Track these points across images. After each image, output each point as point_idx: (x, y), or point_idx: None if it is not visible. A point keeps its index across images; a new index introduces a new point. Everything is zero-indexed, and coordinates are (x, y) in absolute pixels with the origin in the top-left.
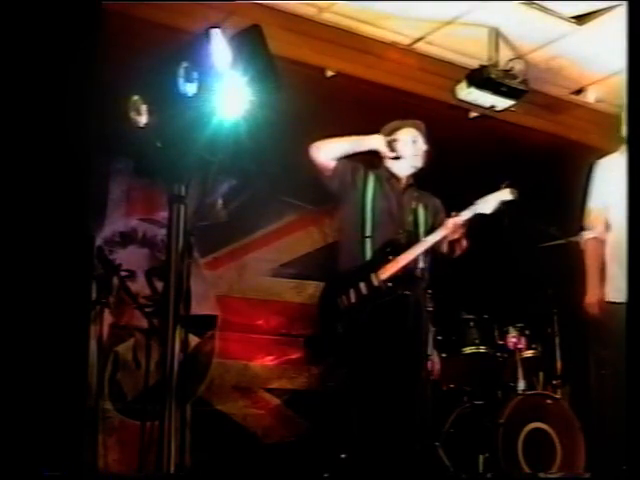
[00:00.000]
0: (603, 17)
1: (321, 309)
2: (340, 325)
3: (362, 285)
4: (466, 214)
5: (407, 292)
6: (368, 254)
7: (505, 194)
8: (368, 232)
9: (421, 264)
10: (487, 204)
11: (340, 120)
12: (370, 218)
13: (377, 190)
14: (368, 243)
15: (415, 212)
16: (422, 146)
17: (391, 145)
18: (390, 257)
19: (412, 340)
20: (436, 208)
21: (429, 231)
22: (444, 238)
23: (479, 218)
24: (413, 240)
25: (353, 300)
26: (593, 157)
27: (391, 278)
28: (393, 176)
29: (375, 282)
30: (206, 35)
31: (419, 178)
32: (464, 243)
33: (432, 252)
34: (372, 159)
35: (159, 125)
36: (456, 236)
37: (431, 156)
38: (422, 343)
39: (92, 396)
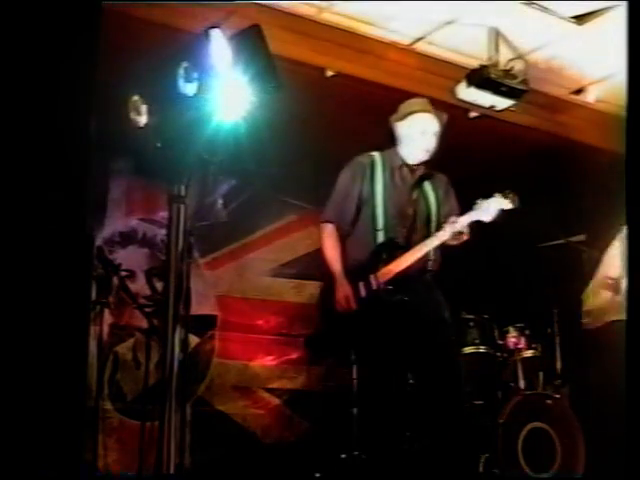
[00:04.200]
0: (603, 17)
1: (319, 309)
2: (337, 327)
3: (361, 286)
4: (465, 219)
5: (405, 298)
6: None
7: (506, 202)
8: (380, 225)
9: (430, 265)
10: (487, 211)
11: (340, 120)
12: (382, 212)
13: (387, 181)
14: (380, 236)
15: (426, 201)
16: (434, 129)
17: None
18: (386, 257)
19: (412, 347)
20: (447, 191)
21: (442, 218)
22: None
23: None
24: (419, 235)
25: (351, 304)
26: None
27: (391, 281)
28: (405, 164)
29: (374, 285)
30: (206, 35)
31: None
32: (464, 238)
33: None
34: (384, 144)
35: (159, 125)
36: (455, 242)
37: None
38: (429, 348)
39: (92, 396)
